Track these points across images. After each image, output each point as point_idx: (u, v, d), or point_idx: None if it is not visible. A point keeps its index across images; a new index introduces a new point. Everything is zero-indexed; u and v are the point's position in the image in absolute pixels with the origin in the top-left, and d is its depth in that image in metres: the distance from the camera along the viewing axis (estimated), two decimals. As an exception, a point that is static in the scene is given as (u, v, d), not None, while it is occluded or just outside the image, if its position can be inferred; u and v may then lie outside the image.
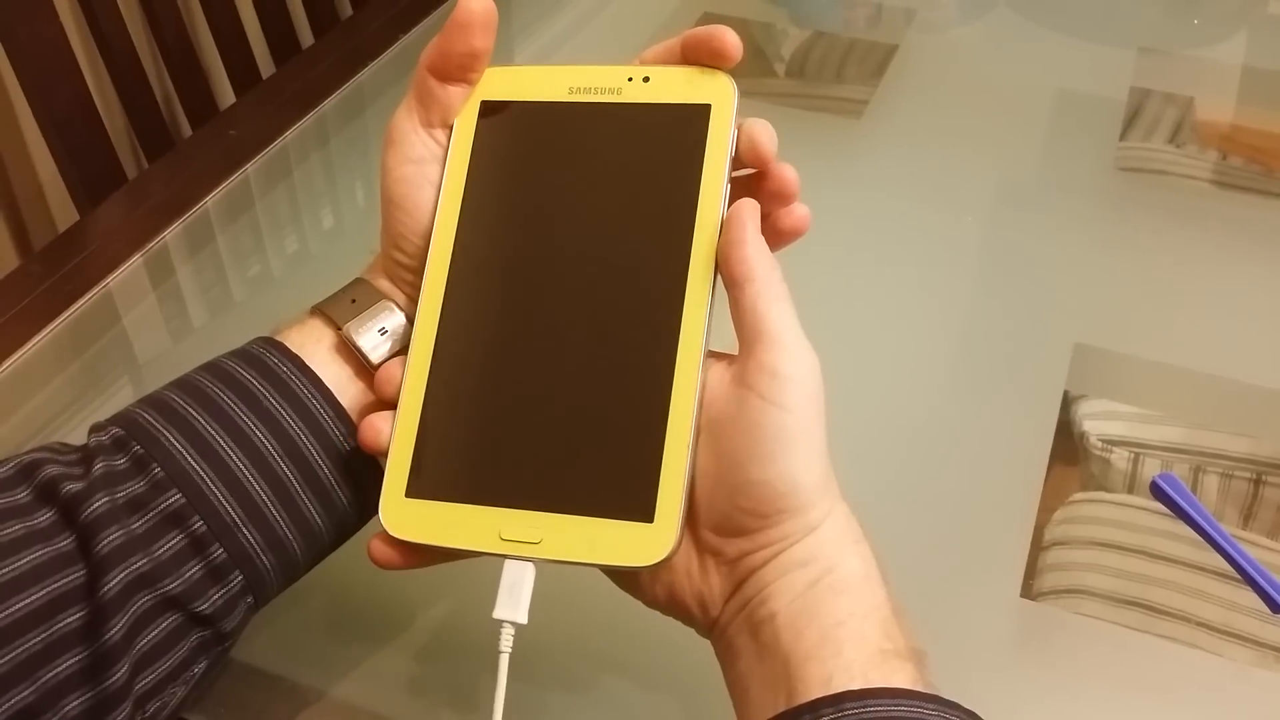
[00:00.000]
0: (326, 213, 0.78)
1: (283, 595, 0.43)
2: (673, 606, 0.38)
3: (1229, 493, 0.56)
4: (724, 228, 0.38)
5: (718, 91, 0.41)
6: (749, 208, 0.38)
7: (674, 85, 0.41)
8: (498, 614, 0.36)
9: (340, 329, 0.42)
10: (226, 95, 1.02)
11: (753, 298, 0.36)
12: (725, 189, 0.39)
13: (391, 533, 0.38)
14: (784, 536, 0.35)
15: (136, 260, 0.70)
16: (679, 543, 0.36)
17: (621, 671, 0.47)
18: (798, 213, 0.40)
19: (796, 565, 0.35)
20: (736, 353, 0.38)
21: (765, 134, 0.39)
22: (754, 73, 0.90)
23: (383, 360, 0.41)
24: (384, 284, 0.44)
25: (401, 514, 0.38)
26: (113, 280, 0.68)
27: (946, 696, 0.33)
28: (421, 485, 0.38)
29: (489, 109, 0.42)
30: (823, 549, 0.35)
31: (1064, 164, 0.80)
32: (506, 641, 0.36)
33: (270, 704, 0.46)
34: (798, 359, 0.36)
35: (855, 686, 0.32)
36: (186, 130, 0.98)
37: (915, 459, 0.57)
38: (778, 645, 0.34)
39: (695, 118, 0.40)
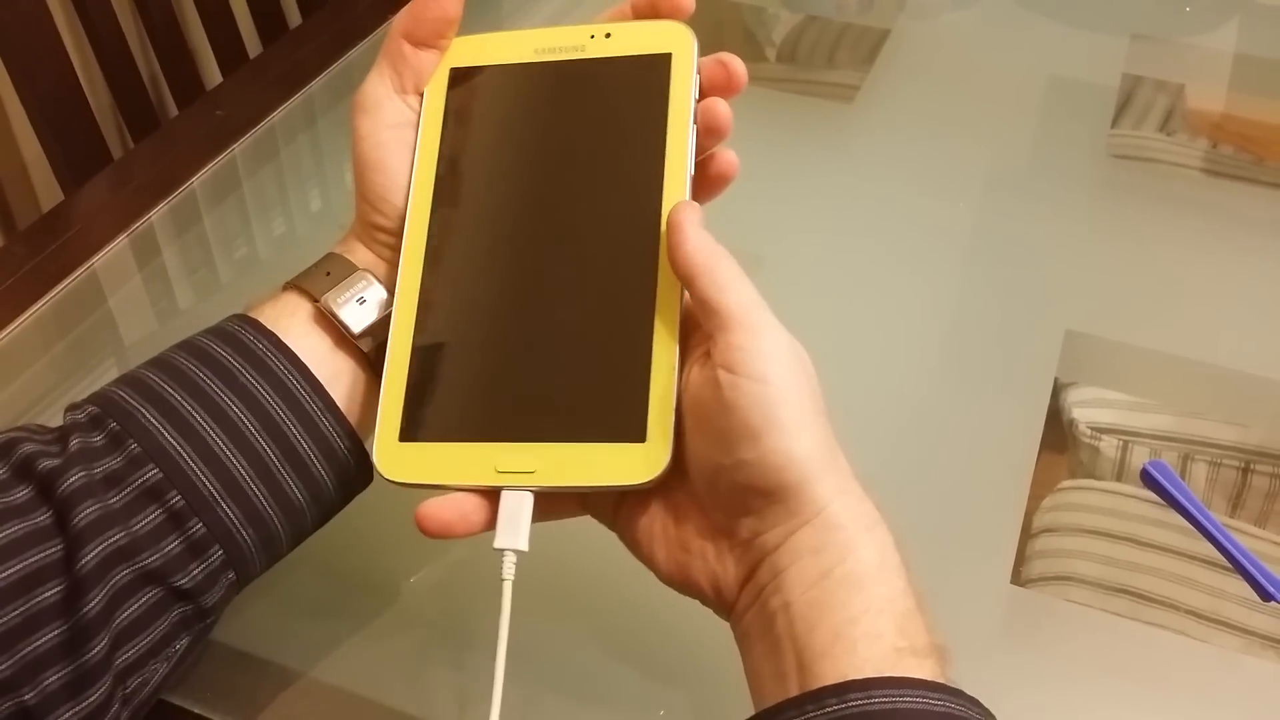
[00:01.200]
0: (314, 194, 0.77)
1: (270, 577, 0.42)
2: (688, 586, 0.38)
3: (1217, 481, 0.57)
4: (667, 233, 0.38)
5: (678, 40, 0.42)
6: (685, 208, 0.38)
7: (635, 38, 0.43)
8: (499, 543, 0.37)
9: (318, 300, 0.42)
10: (213, 75, 1.01)
11: (704, 288, 0.36)
12: (692, 130, 0.41)
13: (388, 477, 0.38)
14: (790, 515, 0.35)
15: (122, 240, 0.69)
16: (670, 461, 0.37)
17: (641, 657, 0.47)
18: (725, 157, 0.42)
19: (809, 551, 0.34)
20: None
21: (712, 68, 0.42)
22: (745, 57, 0.88)
23: (365, 330, 0.42)
24: (361, 254, 0.44)
25: (396, 459, 0.39)
26: (98, 260, 0.68)
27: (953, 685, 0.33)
28: (414, 429, 0.39)
29: (459, 76, 0.43)
30: (835, 535, 0.34)
31: (1056, 151, 0.80)
32: (509, 569, 0.37)
33: (257, 687, 0.46)
34: (763, 334, 0.35)
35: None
36: (173, 110, 0.98)
37: (906, 445, 0.57)
38: (792, 639, 0.33)
39: (658, 66, 0.42)
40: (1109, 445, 0.58)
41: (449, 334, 0.40)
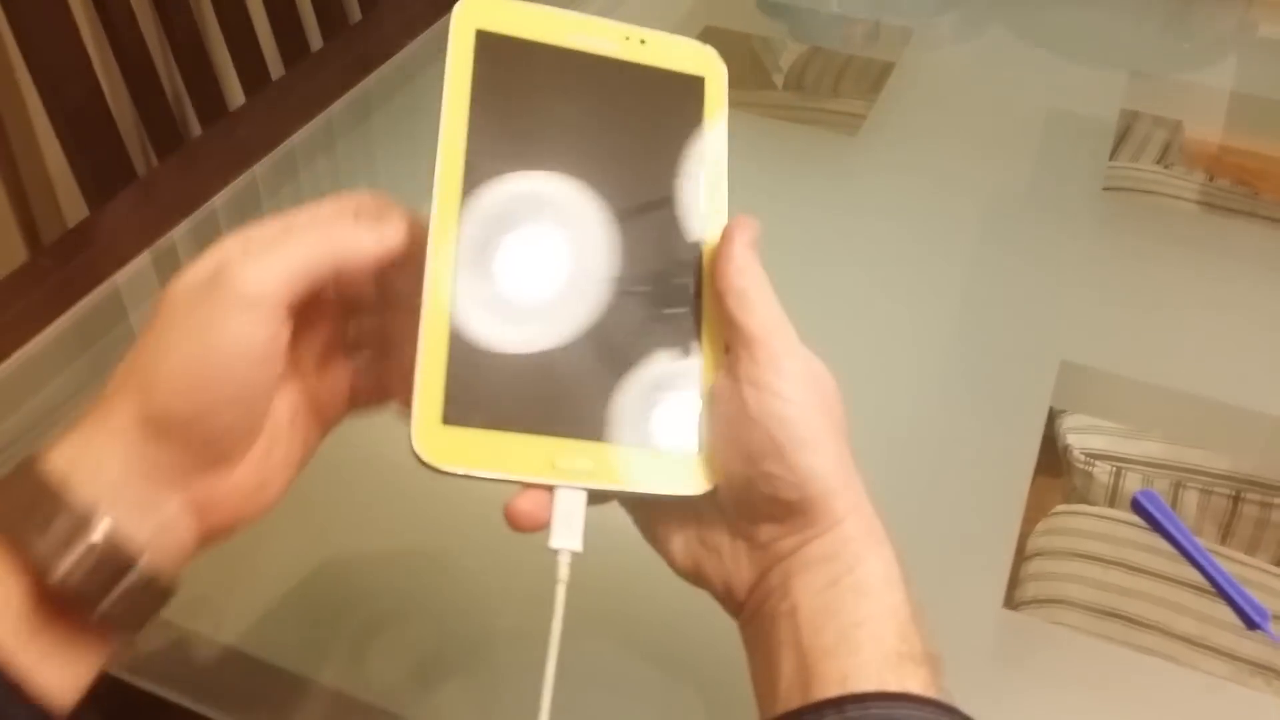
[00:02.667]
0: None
1: (281, 584, 0.43)
2: (700, 580, 0.39)
3: (1208, 508, 0.58)
4: (718, 245, 0.40)
5: (710, 66, 0.43)
6: (742, 225, 0.40)
7: (669, 53, 0.43)
8: (555, 543, 0.36)
9: (41, 570, 0.32)
10: (235, 94, 1.03)
11: (734, 307, 0.38)
12: (725, 161, 0.42)
13: (431, 461, 0.35)
14: (809, 525, 0.36)
15: (144, 257, 0.71)
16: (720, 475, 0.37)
17: (649, 658, 0.48)
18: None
19: (819, 560, 0.36)
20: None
21: None
22: (752, 84, 0.92)
23: (103, 608, 0.33)
24: (94, 457, 0.34)
25: (439, 442, 0.36)
26: (120, 276, 0.69)
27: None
28: (460, 413, 0.36)
29: (487, 41, 0.40)
30: (846, 547, 0.36)
31: (1054, 183, 0.82)
32: (564, 570, 0.36)
33: (269, 693, 0.47)
34: (789, 355, 0.37)
35: (869, 688, 0.33)
36: (196, 128, 1.00)
37: (904, 469, 0.58)
38: (797, 640, 0.35)
39: (692, 87, 0.43)
40: (1102, 471, 0.60)
41: (494, 319, 0.38)
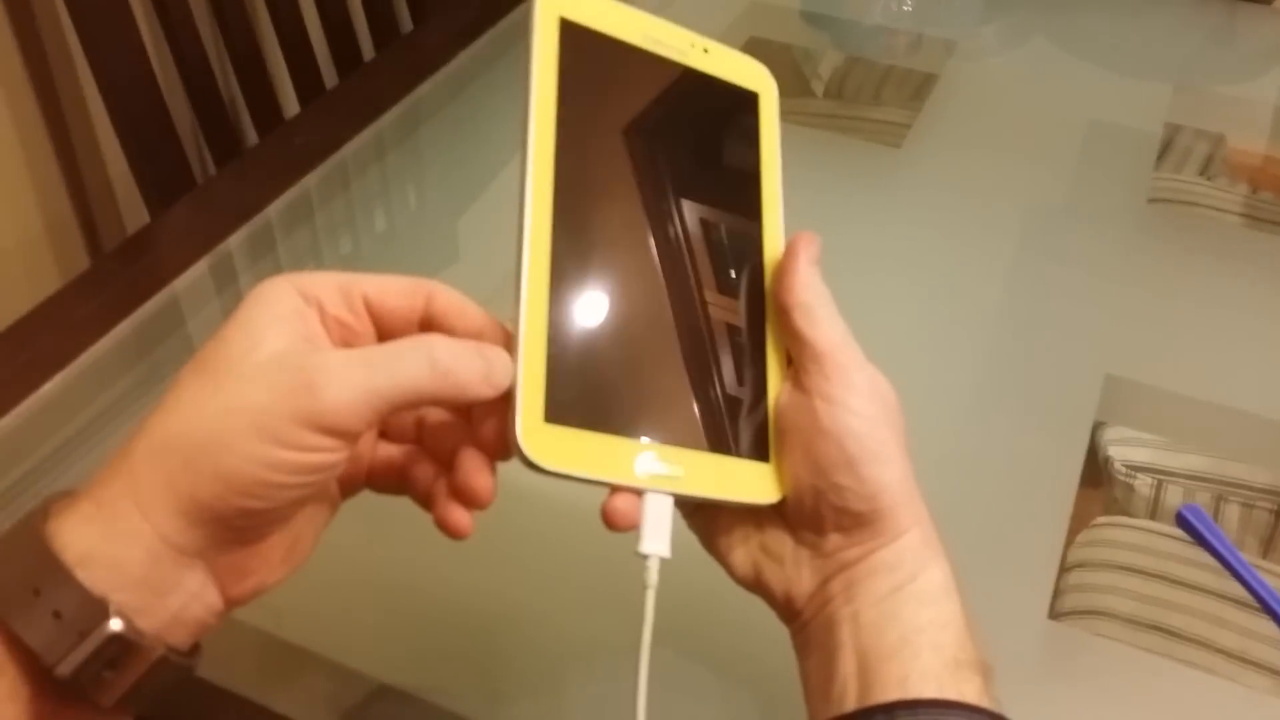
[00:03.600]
0: (381, 222, 0.81)
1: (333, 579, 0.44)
2: (759, 587, 0.40)
3: (1250, 522, 0.58)
4: (782, 261, 0.41)
5: (764, 84, 0.44)
6: (806, 241, 0.41)
7: (729, 65, 0.44)
8: (645, 548, 0.36)
9: (54, 670, 0.30)
10: (291, 104, 1.05)
11: (800, 321, 0.39)
12: (779, 177, 0.43)
13: (536, 461, 0.34)
14: (875, 535, 0.37)
15: (202, 264, 0.73)
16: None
17: (695, 657, 0.49)
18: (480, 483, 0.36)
19: (884, 569, 0.37)
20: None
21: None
22: (792, 93, 0.93)
23: (114, 696, 0.31)
24: (111, 551, 0.31)
25: (543, 441, 0.35)
26: (179, 283, 0.71)
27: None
28: (563, 412, 0.36)
29: (571, 32, 0.40)
30: (908, 556, 0.37)
31: (1099, 195, 0.82)
32: (653, 576, 0.36)
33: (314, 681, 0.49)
34: (858, 369, 0.38)
35: (928, 692, 0.34)
36: (252, 136, 1.02)
37: (949, 480, 0.59)
38: (857, 643, 0.36)
39: (748, 102, 0.44)
40: (1143, 484, 0.60)
41: (584, 321, 0.37)
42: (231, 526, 0.32)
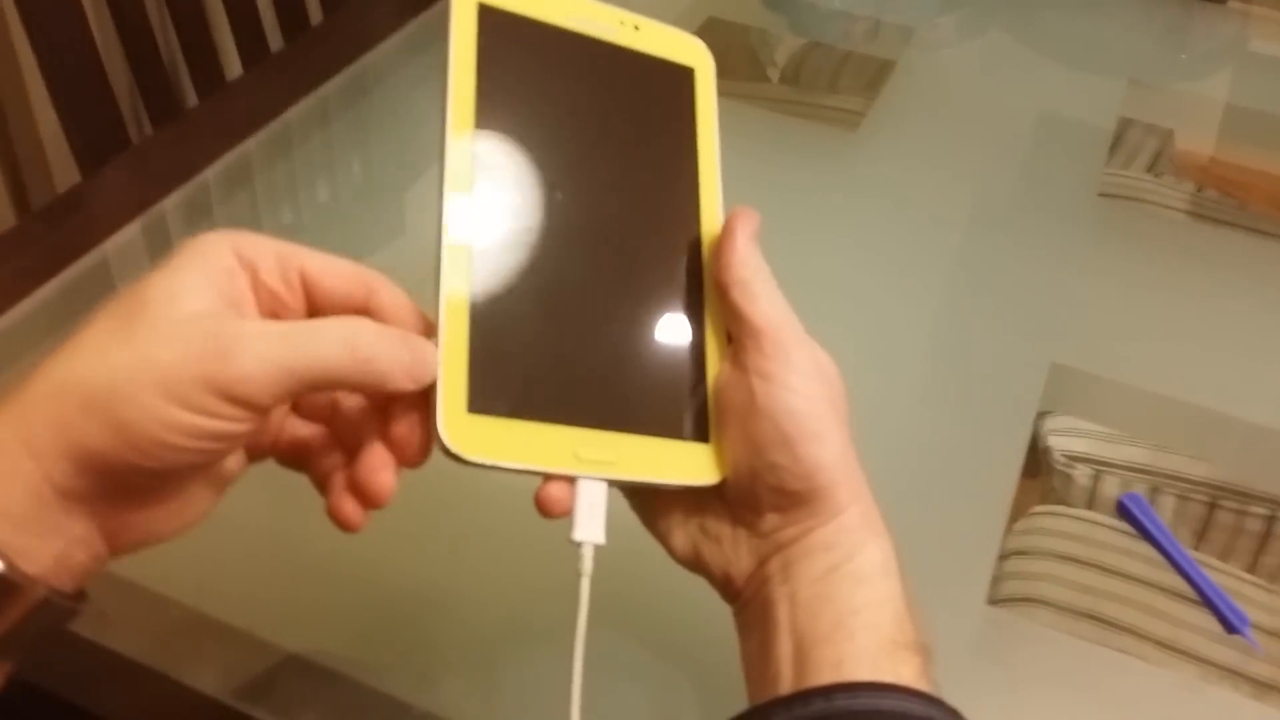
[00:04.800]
0: (324, 192, 0.79)
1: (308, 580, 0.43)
2: (699, 567, 0.39)
3: (1184, 514, 0.59)
4: (720, 238, 0.40)
5: (699, 58, 0.44)
6: (744, 216, 0.40)
7: (661, 41, 0.43)
8: (578, 535, 0.35)
9: None
10: (233, 66, 1.02)
11: (739, 298, 0.38)
12: (718, 153, 0.42)
13: (460, 453, 0.34)
14: (811, 515, 0.37)
15: (135, 226, 0.71)
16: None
17: (632, 637, 0.49)
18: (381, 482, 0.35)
19: (820, 549, 0.36)
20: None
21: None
22: (746, 76, 0.92)
23: None
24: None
25: (466, 432, 0.34)
26: (110, 244, 0.69)
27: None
28: (485, 401, 0.35)
29: (490, 17, 0.39)
30: (846, 536, 0.37)
31: (1049, 187, 0.82)
32: (587, 563, 0.36)
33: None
34: (795, 347, 0.37)
35: (863, 674, 0.34)
36: (192, 98, 0.99)
37: (892, 464, 0.58)
38: (793, 625, 0.36)
39: (683, 78, 0.43)
40: (1082, 474, 0.60)
41: (510, 305, 0.37)
42: (120, 481, 0.31)
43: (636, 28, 0.43)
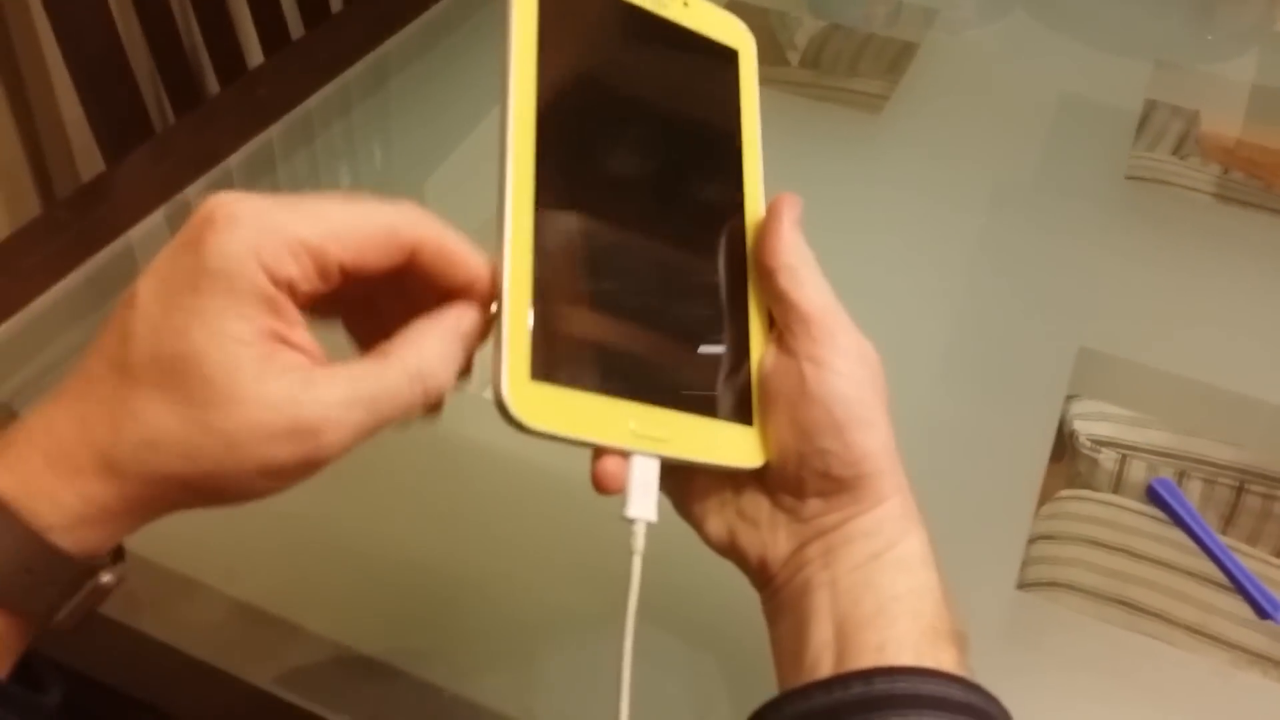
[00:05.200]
0: (345, 179, 0.79)
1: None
2: (732, 551, 0.39)
3: (1212, 498, 0.58)
4: (765, 222, 0.40)
5: (743, 41, 0.43)
6: (789, 202, 0.40)
7: (708, 20, 0.42)
8: (631, 512, 0.35)
9: None
10: (255, 54, 1.03)
11: (786, 283, 0.38)
12: (759, 137, 0.42)
13: (520, 418, 0.33)
14: (855, 502, 0.37)
15: (159, 214, 0.71)
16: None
17: (661, 624, 0.48)
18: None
19: (862, 536, 0.36)
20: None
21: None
22: (766, 60, 0.90)
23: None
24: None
25: (528, 399, 0.33)
26: (135, 232, 0.69)
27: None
28: (549, 370, 0.34)
29: None
30: (888, 524, 0.37)
31: (1078, 170, 0.82)
32: (640, 541, 0.35)
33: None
34: (845, 332, 0.37)
35: (904, 659, 0.34)
36: (213, 85, 0.99)
37: (920, 449, 0.58)
38: (833, 610, 0.35)
39: (728, 59, 0.43)
40: (1108, 458, 0.60)
41: (570, 275, 0.36)
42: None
43: (686, 4, 0.42)
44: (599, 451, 0.35)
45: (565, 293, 0.35)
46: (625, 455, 0.35)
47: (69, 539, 0.30)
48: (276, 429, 0.30)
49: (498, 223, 0.35)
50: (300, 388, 0.31)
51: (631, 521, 0.35)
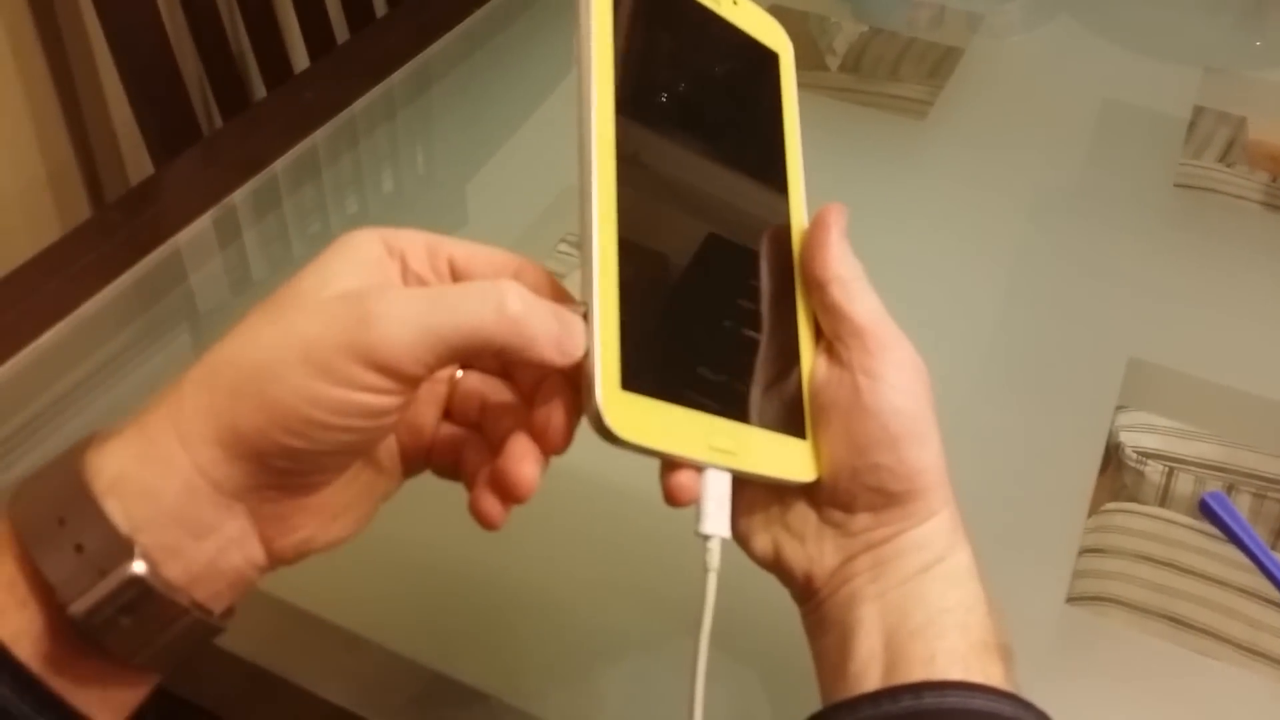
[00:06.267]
0: (389, 183, 0.79)
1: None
2: (777, 565, 0.39)
3: (1261, 513, 0.58)
4: (812, 232, 0.39)
5: (782, 43, 0.43)
6: (834, 212, 0.39)
7: (753, 20, 0.42)
8: (707, 528, 0.34)
9: (68, 610, 0.28)
10: (301, 58, 1.04)
11: (837, 295, 0.38)
12: (800, 142, 0.42)
13: (614, 429, 0.32)
14: (906, 517, 0.36)
15: (206, 218, 0.72)
16: None
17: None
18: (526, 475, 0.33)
19: (912, 549, 0.36)
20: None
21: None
22: (804, 64, 0.90)
23: (137, 655, 0.30)
24: (143, 505, 0.29)
25: (621, 410, 0.32)
26: (182, 236, 0.70)
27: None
28: (639, 381, 0.33)
29: None
30: (937, 538, 0.36)
31: (1124, 178, 0.81)
32: (715, 558, 0.34)
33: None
34: (898, 345, 0.37)
35: (954, 672, 0.34)
36: (260, 89, 1.00)
37: (968, 460, 0.58)
38: (881, 622, 0.35)
39: (771, 61, 0.42)
40: (1154, 470, 0.60)
41: (654, 288, 0.36)
42: (273, 468, 0.30)
43: (735, 2, 0.41)
44: (670, 465, 0.34)
45: (652, 305, 0.35)
46: (698, 469, 0.35)
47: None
48: (332, 312, 0.30)
49: (582, 230, 0.34)
50: (366, 288, 0.32)
51: (706, 538, 0.34)
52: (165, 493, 0.29)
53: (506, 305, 0.31)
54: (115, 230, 0.71)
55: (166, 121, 0.89)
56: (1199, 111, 0.87)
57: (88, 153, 0.99)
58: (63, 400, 0.60)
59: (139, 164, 0.99)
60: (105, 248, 0.69)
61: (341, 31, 1.04)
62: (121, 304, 0.66)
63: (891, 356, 0.37)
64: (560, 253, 0.69)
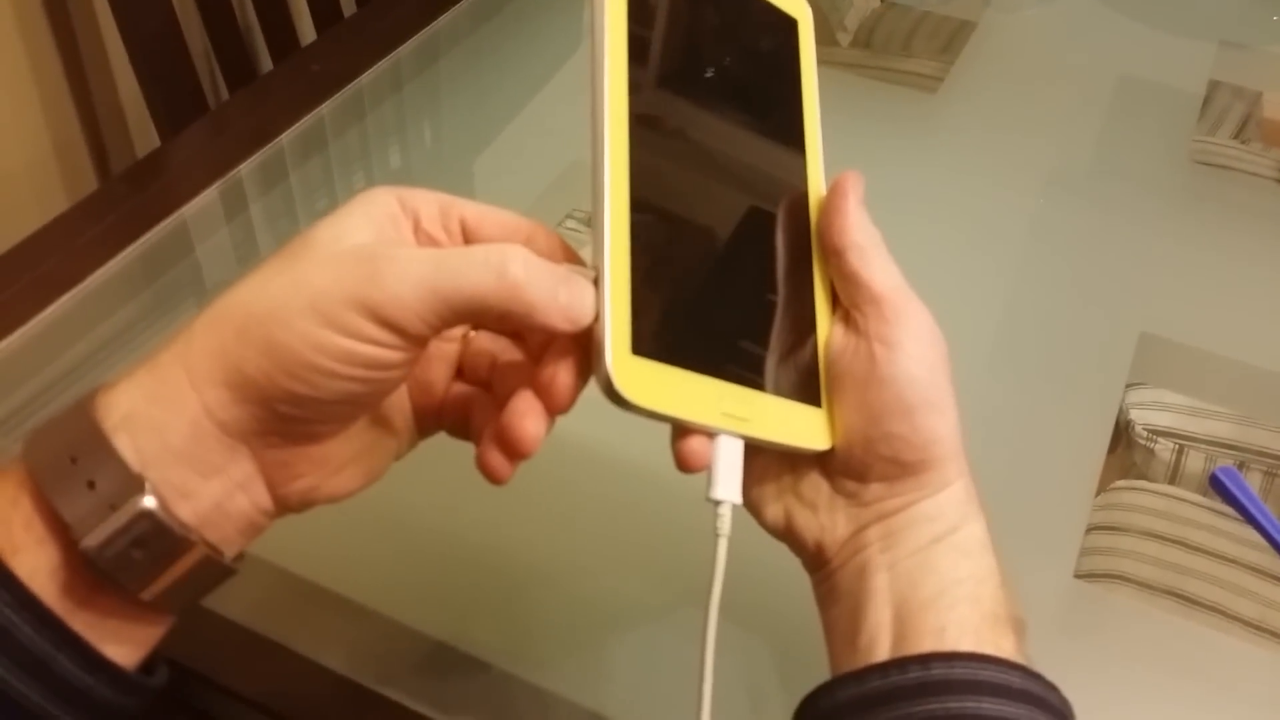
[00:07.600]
0: (395, 157, 0.79)
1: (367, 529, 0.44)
2: (789, 534, 0.38)
3: (1271, 490, 0.57)
4: (830, 201, 0.39)
5: (801, 10, 0.42)
6: (851, 180, 0.39)
7: None
8: (718, 494, 0.34)
9: (79, 544, 0.29)
10: (307, 30, 1.03)
11: (855, 263, 0.37)
12: (818, 111, 0.41)
13: (623, 393, 0.32)
14: (920, 487, 0.36)
15: (213, 190, 0.72)
16: None
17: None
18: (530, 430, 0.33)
19: (924, 520, 0.36)
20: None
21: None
22: (817, 40, 0.89)
23: (150, 589, 0.30)
24: (154, 438, 0.30)
25: (630, 374, 0.32)
26: (189, 208, 0.70)
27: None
28: (649, 345, 0.33)
29: None
30: (950, 509, 0.36)
31: (1138, 153, 0.80)
32: (726, 524, 0.34)
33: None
34: (917, 314, 0.37)
35: (965, 643, 0.33)
36: (267, 62, 1.00)
37: (978, 437, 0.58)
38: (892, 592, 0.35)
39: (789, 30, 0.42)
40: (1164, 448, 0.59)
41: (665, 253, 0.35)
42: (278, 413, 0.31)
43: None
44: (682, 431, 0.34)
45: (663, 270, 0.35)
46: (710, 435, 0.34)
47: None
48: (340, 264, 0.31)
49: (594, 193, 0.34)
50: (377, 244, 0.32)
51: (717, 503, 0.34)
52: (173, 430, 0.30)
53: (508, 271, 0.31)
54: (122, 203, 0.71)
55: (173, 94, 0.89)
56: (1214, 86, 0.87)
57: (94, 125, 0.99)
58: (70, 372, 0.60)
59: (145, 137, 0.99)
60: (112, 220, 0.69)
61: (349, 4, 1.04)
62: (128, 276, 0.66)
63: (909, 325, 0.36)
64: (567, 228, 0.68)
